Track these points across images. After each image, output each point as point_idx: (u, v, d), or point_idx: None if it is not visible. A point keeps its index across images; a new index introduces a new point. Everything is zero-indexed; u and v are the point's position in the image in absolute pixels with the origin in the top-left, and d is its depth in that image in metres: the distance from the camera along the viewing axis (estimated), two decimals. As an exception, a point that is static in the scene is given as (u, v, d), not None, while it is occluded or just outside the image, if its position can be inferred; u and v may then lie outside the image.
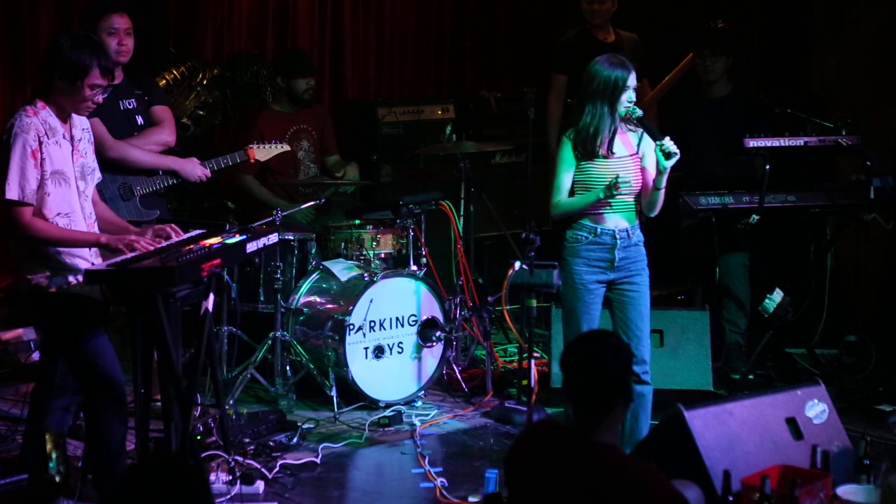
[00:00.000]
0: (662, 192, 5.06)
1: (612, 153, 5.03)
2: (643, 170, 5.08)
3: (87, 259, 4.59)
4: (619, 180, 4.93)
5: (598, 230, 5.05)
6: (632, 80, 4.99)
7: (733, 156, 6.48)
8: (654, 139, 5.00)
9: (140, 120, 5.94)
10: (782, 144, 6.32)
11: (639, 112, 5.01)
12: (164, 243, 4.67)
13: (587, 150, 5.02)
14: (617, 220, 5.06)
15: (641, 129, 5.08)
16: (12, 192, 4.41)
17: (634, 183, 5.06)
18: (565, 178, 5.07)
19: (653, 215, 5.18)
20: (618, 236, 5.05)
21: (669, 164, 4.96)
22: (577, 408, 3.55)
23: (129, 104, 5.92)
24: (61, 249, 4.51)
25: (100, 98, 4.56)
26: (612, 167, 5.02)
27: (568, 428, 3.62)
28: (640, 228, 5.15)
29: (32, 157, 4.42)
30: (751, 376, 6.46)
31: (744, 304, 6.71)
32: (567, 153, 5.06)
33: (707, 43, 6.65)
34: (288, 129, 6.89)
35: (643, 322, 5.11)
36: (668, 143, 4.94)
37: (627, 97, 4.99)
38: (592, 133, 5.00)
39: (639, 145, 5.10)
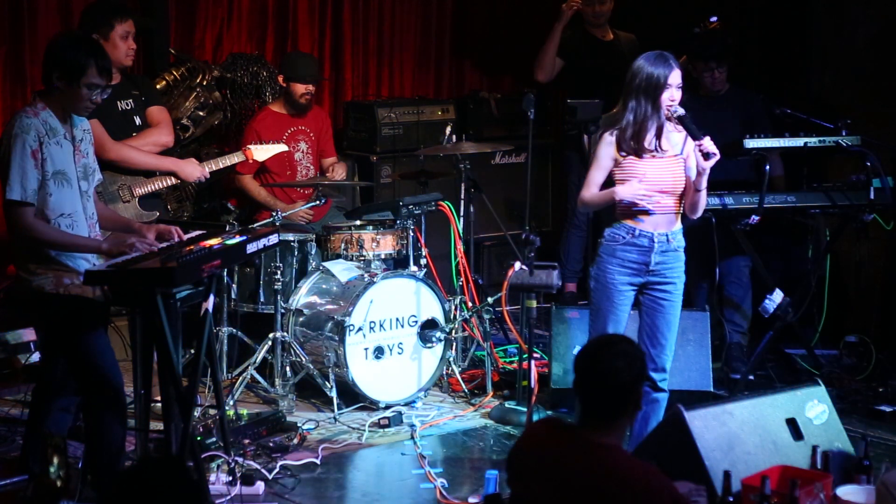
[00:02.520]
0: (704, 193, 4.97)
1: (662, 150, 4.95)
2: (688, 171, 5.01)
3: (88, 260, 4.59)
4: None
5: (637, 231, 4.95)
6: (675, 78, 4.89)
7: (733, 156, 6.47)
8: (694, 139, 4.91)
9: (138, 120, 5.96)
10: (782, 144, 6.32)
11: (680, 111, 4.92)
12: (167, 244, 4.68)
13: (632, 148, 4.92)
14: (657, 223, 4.96)
15: (683, 127, 4.99)
16: (14, 193, 4.40)
17: (675, 185, 4.99)
18: (597, 176, 4.96)
19: (696, 217, 5.10)
20: (656, 240, 4.95)
21: (708, 164, 4.88)
22: (585, 410, 3.55)
23: (127, 105, 5.93)
24: (60, 252, 4.50)
25: (98, 98, 4.56)
26: (658, 166, 4.94)
27: (572, 428, 3.62)
28: (682, 233, 5.06)
29: (33, 157, 4.42)
30: (751, 377, 6.46)
31: (745, 306, 6.71)
32: (605, 152, 4.96)
33: (714, 56, 6.63)
34: (286, 130, 6.88)
35: (670, 331, 5.04)
36: (707, 143, 4.86)
37: (669, 95, 4.90)
38: (636, 130, 4.90)
39: (683, 146, 5.02)
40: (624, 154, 4.94)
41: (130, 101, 5.95)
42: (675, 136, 5.02)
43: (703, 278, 6.71)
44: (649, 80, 4.89)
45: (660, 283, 5.02)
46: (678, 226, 5.04)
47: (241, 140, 6.89)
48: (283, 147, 6.48)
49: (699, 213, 5.05)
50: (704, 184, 4.95)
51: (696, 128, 4.95)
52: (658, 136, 4.94)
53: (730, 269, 6.69)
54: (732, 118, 6.61)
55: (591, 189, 5.00)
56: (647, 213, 4.94)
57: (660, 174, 4.95)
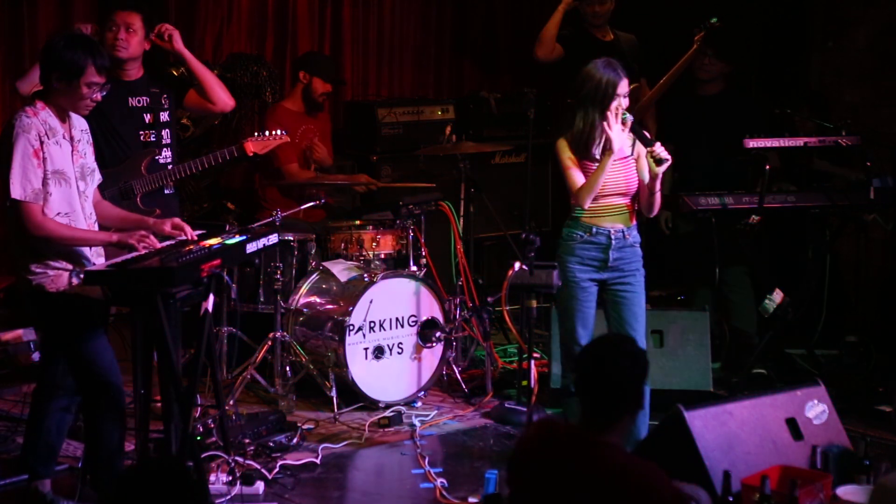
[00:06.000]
0: (658, 194, 5.11)
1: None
2: (639, 172, 5.12)
3: (90, 259, 4.59)
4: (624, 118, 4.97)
5: (594, 230, 5.09)
6: (622, 88, 5.01)
7: (732, 156, 6.48)
8: (645, 145, 5.05)
9: (148, 118, 5.91)
10: (782, 145, 6.32)
11: (629, 118, 5.03)
12: (178, 238, 4.69)
13: (582, 154, 5.07)
14: (613, 221, 5.10)
15: (633, 134, 5.10)
16: (17, 192, 4.41)
17: (628, 186, 5.10)
18: (577, 171, 5.07)
19: (652, 216, 5.27)
20: (613, 237, 5.09)
21: (661, 169, 5.00)
22: (587, 409, 3.55)
23: (139, 101, 5.88)
24: (63, 250, 4.51)
25: (98, 96, 4.57)
26: (611, 170, 5.04)
27: (572, 428, 3.62)
28: (636, 229, 5.18)
29: (35, 156, 4.43)
30: (756, 370, 6.46)
31: (750, 313, 6.67)
32: (568, 155, 5.08)
33: (713, 43, 6.64)
34: (300, 127, 6.92)
35: (637, 322, 5.14)
36: (659, 150, 4.99)
37: (616, 104, 5.01)
38: (586, 137, 5.04)
39: (633, 148, 5.14)
40: (576, 158, 5.07)
41: (145, 98, 5.90)
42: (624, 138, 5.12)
43: (704, 280, 6.70)
44: (598, 88, 5.01)
45: (620, 278, 5.14)
46: (633, 223, 5.16)
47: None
48: (283, 138, 6.33)
49: (655, 212, 5.20)
50: (658, 186, 5.08)
51: (645, 134, 5.09)
52: (604, 142, 5.03)
53: (732, 277, 6.68)
54: (726, 120, 6.60)
55: (582, 180, 5.06)
56: (603, 214, 5.07)
57: (613, 178, 5.06)
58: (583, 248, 5.11)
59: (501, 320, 6.70)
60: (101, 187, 4.91)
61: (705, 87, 6.74)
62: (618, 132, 4.98)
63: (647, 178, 5.10)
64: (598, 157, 5.04)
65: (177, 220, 4.85)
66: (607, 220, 5.09)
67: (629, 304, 5.15)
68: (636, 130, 5.08)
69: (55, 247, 4.50)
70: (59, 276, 4.51)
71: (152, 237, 4.62)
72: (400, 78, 8.41)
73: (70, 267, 4.52)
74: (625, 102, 5.04)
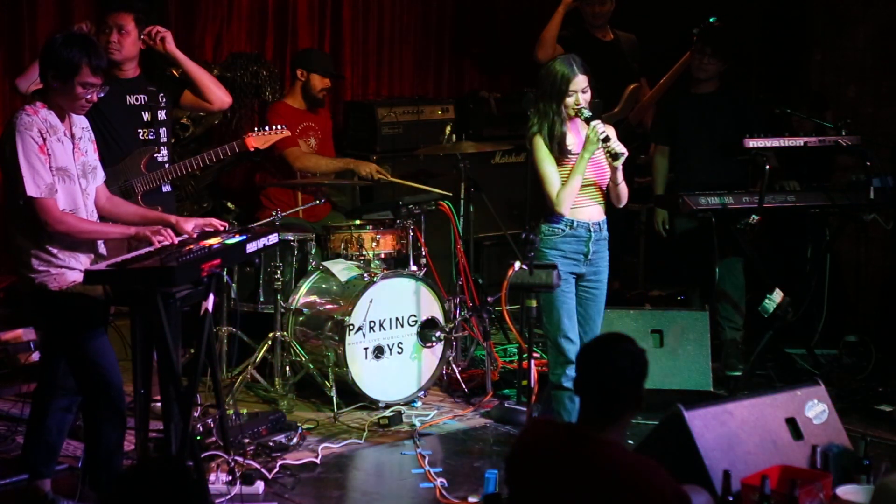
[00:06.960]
0: (623, 185, 5.20)
1: (572, 152, 5.13)
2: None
3: (91, 258, 4.60)
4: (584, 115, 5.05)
5: (574, 223, 5.15)
6: (577, 84, 5.07)
7: (732, 156, 6.47)
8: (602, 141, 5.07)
9: (146, 116, 5.91)
10: (782, 144, 6.32)
11: (587, 113, 5.07)
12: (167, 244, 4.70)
13: (556, 150, 5.12)
14: (591, 213, 5.18)
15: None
16: (32, 190, 4.42)
17: (600, 177, 5.18)
18: (553, 170, 5.12)
19: (621, 206, 5.32)
20: (592, 229, 5.18)
21: (618, 163, 5.06)
22: (587, 408, 3.55)
23: (137, 100, 5.88)
24: (64, 250, 4.51)
25: (94, 96, 4.57)
26: (582, 172, 5.10)
27: (572, 426, 3.62)
28: (606, 224, 5.27)
29: (41, 151, 4.44)
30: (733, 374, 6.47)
31: (739, 304, 6.69)
32: (544, 148, 5.12)
33: (710, 42, 6.64)
34: (299, 124, 6.92)
35: (600, 316, 5.31)
36: (614, 144, 5.02)
37: (574, 101, 5.08)
38: (549, 132, 5.11)
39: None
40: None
41: (143, 96, 5.90)
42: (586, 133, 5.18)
43: (702, 279, 6.70)
44: (553, 84, 5.10)
45: (593, 272, 5.25)
46: (604, 217, 5.25)
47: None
48: (285, 132, 6.29)
49: (624, 203, 5.29)
50: (621, 178, 5.17)
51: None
52: (563, 136, 5.12)
53: (725, 269, 6.67)
54: (724, 118, 6.61)
55: (558, 183, 5.10)
56: (581, 205, 5.14)
57: (588, 169, 5.12)
58: (565, 242, 5.16)
59: (501, 320, 6.70)
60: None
61: (701, 86, 6.73)
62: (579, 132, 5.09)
63: (609, 171, 5.17)
64: (569, 149, 5.11)
65: (199, 219, 4.88)
66: (585, 213, 5.16)
67: (596, 301, 5.28)
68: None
69: (66, 243, 4.51)
70: (61, 274, 4.51)
71: (170, 232, 4.64)
72: (400, 78, 8.41)
73: (73, 266, 4.52)
74: (583, 98, 5.09)
